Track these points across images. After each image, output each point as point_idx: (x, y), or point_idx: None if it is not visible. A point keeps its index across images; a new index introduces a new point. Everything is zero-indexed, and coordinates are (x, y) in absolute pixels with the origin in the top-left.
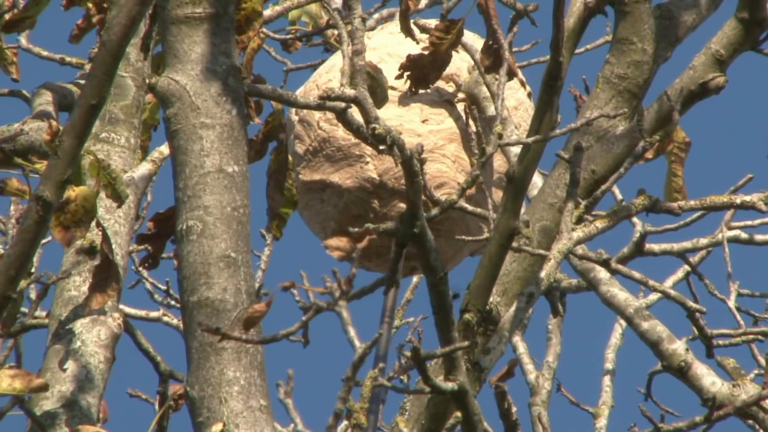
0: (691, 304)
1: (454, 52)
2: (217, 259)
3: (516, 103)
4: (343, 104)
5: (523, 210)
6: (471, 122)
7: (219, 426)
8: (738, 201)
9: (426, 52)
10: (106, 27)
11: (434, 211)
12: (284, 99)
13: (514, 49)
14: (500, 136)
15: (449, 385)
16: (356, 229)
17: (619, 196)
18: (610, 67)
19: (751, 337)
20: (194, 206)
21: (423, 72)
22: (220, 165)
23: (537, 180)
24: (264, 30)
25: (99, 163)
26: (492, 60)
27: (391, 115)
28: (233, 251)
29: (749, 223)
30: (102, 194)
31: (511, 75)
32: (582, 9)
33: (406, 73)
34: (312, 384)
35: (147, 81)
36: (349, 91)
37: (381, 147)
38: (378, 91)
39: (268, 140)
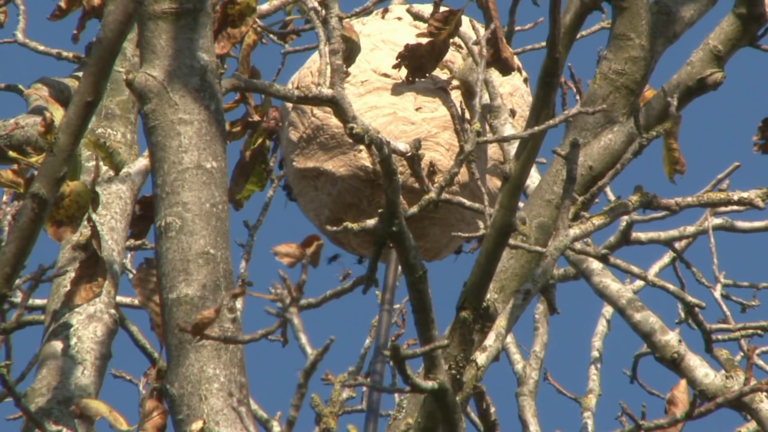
0: (690, 299)
1: None
2: (196, 255)
3: (511, 89)
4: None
5: (520, 205)
6: (465, 110)
7: (199, 424)
8: (735, 198)
9: (423, 41)
10: (102, 24)
11: (413, 209)
12: (281, 95)
13: (517, 28)
14: (479, 134)
15: (429, 384)
16: (348, 227)
17: (611, 196)
18: (608, 63)
19: (750, 331)
20: (173, 203)
21: (420, 61)
22: (199, 161)
23: (533, 173)
24: (260, 23)
25: (95, 138)
26: (492, 53)
27: (384, 103)
28: (212, 248)
29: (734, 207)
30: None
31: (508, 70)
32: (579, 5)
33: (404, 63)
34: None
35: (124, 77)
36: (327, 91)
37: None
38: (353, 49)
39: (248, 128)
